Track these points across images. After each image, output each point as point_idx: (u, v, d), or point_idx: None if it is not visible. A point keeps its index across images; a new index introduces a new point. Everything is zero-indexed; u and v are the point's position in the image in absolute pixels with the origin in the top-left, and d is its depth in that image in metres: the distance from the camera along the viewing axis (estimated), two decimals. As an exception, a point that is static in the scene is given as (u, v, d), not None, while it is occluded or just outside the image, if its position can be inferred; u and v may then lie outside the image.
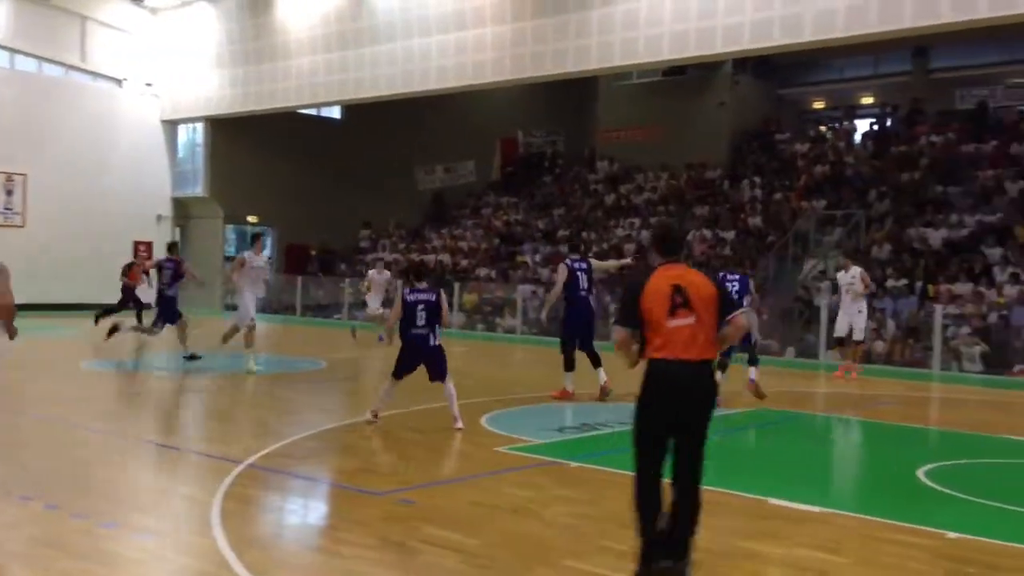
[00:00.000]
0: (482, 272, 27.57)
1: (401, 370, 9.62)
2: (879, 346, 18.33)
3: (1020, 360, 16.67)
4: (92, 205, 28.63)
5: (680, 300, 4.77)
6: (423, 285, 9.52)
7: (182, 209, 31.80)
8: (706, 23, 19.17)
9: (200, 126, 30.83)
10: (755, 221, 25.10)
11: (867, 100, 32.13)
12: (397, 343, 9.75)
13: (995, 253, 19.63)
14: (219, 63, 28.59)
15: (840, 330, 15.61)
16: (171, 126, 31.22)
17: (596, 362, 11.80)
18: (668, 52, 20.10)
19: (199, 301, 31.48)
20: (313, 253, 32.48)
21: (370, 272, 21.27)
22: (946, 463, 8.80)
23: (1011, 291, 18.02)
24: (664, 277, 4.87)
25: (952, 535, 6.07)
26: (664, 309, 4.76)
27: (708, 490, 7.15)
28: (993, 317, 17.48)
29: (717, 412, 11.21)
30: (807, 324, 19.73)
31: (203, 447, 8.89)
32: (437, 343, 9.49)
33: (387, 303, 19.92)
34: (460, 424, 9.38)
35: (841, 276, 15.76)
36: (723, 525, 6.25)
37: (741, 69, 30.44)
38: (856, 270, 15.49)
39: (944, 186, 23.24)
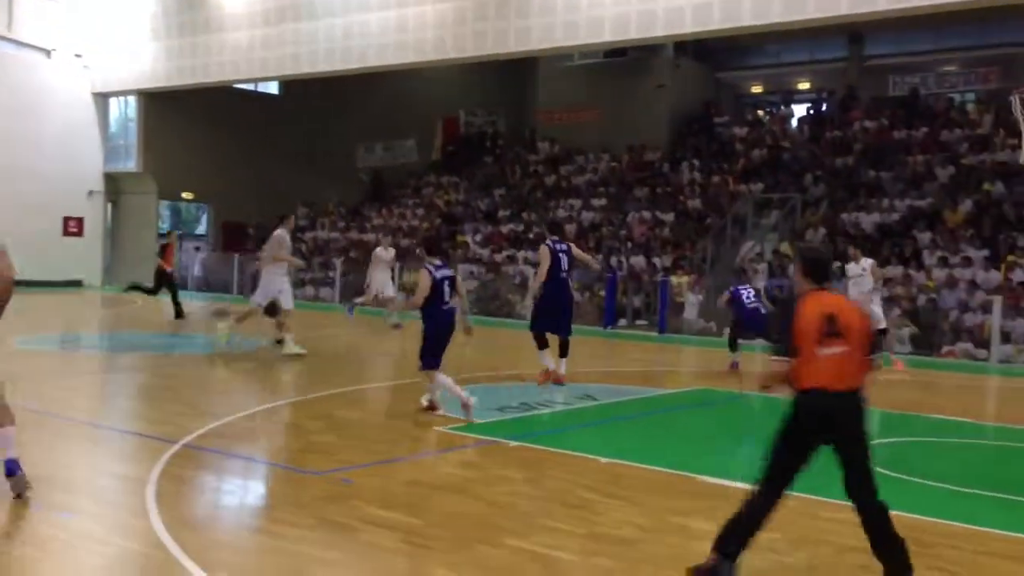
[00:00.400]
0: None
1: (437, 353, 9.00)
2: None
3: (948, 341, 17.14)
4: (20, 179, 27.78)
5: (832, 329, 4.71)
6: (438, 261, 9.16)
7: (114, 184, 31.07)
8: (647, 6, 19.26)
9: (133, 99, 30.09)
10: (694, 203, 25.37)
11: (803, 85, 32.64)
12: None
13: (925, 237, 20.13)
14: (153, 35, 27.90)
15: None
16: (103, 99, 30.41)
17: (564, 352, 11.39)
18: (609, 34, 20.16)
19: (135, 278, 30.87)
20: (250, 231, 31.99)
21: (377, 250, 19.23)
22: (878, 442, 9.01)
23: (939, 274, 18.51)
24: (816, 304, 4.79)
25: (882, 511, 6.21)
26: (815, 337, 4.71)
27: (643, 468, 7.27)
28: (922, 299, 17.94)
29: (656, 391, 11.28)
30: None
31: (137, 427, 8.73)
32: None
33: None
34: (473, 401, 8.88)
35: (851, 267, 14.78)
36: (655, 502, 6.34)
37: (682, 52, 30.68)
38: (867, 262, 14.73)
39: (877, 171, 23.74)
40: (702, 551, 5.53)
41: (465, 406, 8.77)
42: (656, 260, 22.87)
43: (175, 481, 6.46)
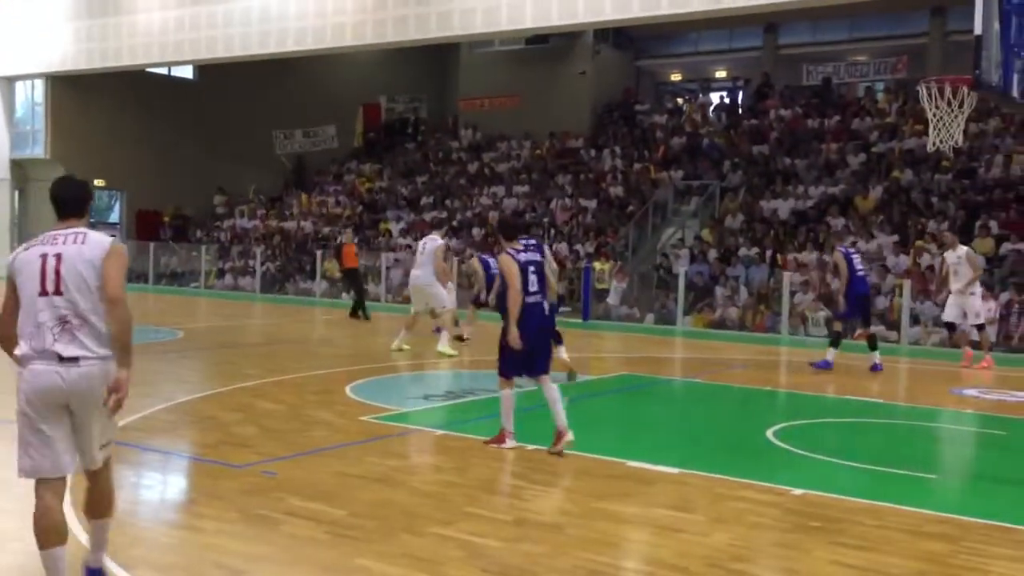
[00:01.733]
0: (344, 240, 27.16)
1: (522, 361, 7.39)
2: (732, 312, 19.10)
3: (860, 325, 17.62)
4: (-81, 166, 26.65)
5: None
6: (519, 245, 7.56)
7: (21, 171, 30.03)
8: (568, -7, 19.33)
9: (40, 83, 29.07)
10: (616, 190, 25.60)
11: (721, 74, 33.16)
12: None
13: (838, 223, 20.67)
14: (61, 16, 26.97)
15: (948, 315, 13.71)
16: (8, 83, 29.32)
17: (557, 339, 11.08)
18: (531, 20, 20.19)
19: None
20: (166, 219, 31.25)
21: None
22: (793, 423, 9.27)
23: (852, 259, 19.01)
24: None
25: (798, 491, 6.40)
26: None
27: (568, 454, 7.34)
28: (836, 284, 18.39)
29: (581, 377, 11.35)
30: (666, 291, 20.31)
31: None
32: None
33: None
34: (570, 436, 7.28)
35: (949, 255, 13.65)
36: (580, 487, 6.41)
37: (602, 39, 30.90)
38: (963, 250, 13.53)
39: (791, 159, 24.29)
40: (629, 535, 5.62)
41: (504, 436, 7.47)
42: (579, 247, 23.03)
43: (91, 477, 6.29)
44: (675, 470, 6.90)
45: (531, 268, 7.44)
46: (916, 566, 5.01)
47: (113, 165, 29.85)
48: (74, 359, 4.11)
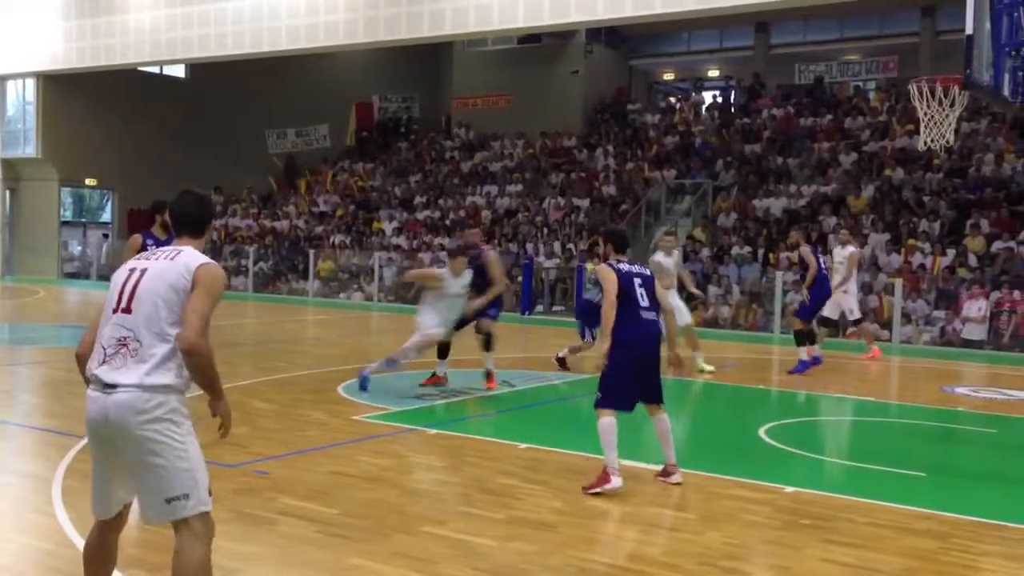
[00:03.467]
0: (337, 239, 27.16)
1: (622, 387, 6.44)
2: (725, 311, 19.13)
3: (852, 324, 17.67)
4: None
5: None
6: (625, 258, 6.65)
7: (12, 171, 29.92)
8: (560, -8, 19.34)
9: (31, 82, 28.97)
10: (609, 189, 25.63)
11: (713, 73, 33.22)
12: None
13: (830, 222, 20.72)
14: (53, 15, 26.89)
15: (828, 311, 13.66)
16: (-2, 82, 29.26)
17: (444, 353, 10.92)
18: (523, 19, 20.20)
19: (37, 268, 29.82)
20: (157, 218, 31.13)
21: (657, 257, 13.24)
22: (785, 421, 9.30)
23: (844, 258, 19.07)
24: None
25: (790, 489, 6.42)
26: None
27: (561, 453, 7.36)
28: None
29: (573, 376, 11.31)
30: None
31: (41, 422, 8.46)
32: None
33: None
34: (679, 478, 6.57)
35: (837, 252, 14.08)
36: (573, 486, 6.41)
37: (594, 38, 30.93)
38: (850, 250, 13.84)
39: (784, 158, 24.34)
40: (620, 534, 5.64)
41: (608, 475, 6.29)
42: (571, 246, 23.04)
43: (82, 477, 6.27)
44: (667, 468, 6.90)
45: (637, 281, 6.50)
46: (906, 563, 5.03)
47: (104, 164, 29.79)
48: (113, 386, 3.62)
